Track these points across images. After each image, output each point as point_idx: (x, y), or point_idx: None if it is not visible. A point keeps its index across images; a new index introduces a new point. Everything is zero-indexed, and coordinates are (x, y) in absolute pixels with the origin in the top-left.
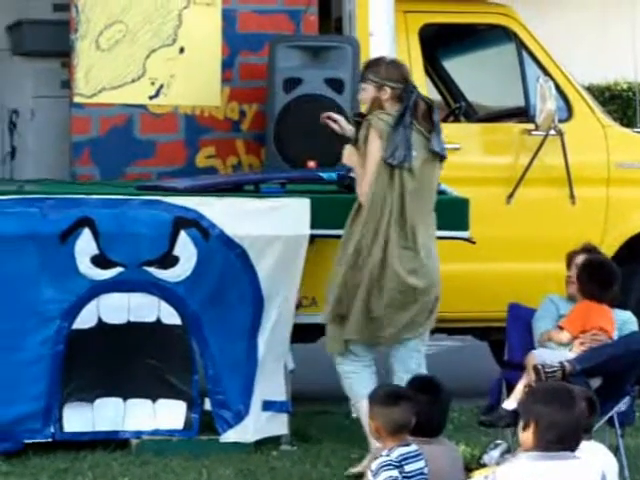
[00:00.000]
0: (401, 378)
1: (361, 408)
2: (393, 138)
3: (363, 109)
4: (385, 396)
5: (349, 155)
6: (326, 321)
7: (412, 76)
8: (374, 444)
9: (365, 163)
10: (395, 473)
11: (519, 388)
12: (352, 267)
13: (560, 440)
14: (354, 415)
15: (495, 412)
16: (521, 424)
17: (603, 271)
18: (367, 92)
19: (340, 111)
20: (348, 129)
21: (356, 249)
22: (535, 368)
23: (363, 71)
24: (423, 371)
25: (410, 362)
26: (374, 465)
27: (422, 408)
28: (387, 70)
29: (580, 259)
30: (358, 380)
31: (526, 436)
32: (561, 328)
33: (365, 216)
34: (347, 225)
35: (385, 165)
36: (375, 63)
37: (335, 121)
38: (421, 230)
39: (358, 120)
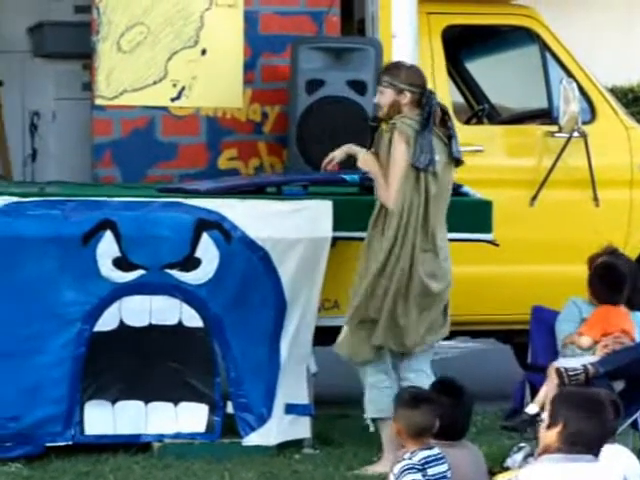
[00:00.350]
0: (406, 377)
1: (382, 423)
2: (419, 142)
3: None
4: (408, 399)
5: (365, 159)
6: (350, 327)
7: (435, 78)
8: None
9: (390, 168)
10: (418, 476)
11: (542, 393)
12: (380, 274)
13: (585, 446)
14: (369, 424)
15: (518, 416)
16: (546, 422)
17: (612, 274)
18: (386, 96)
19: (362, 113)
20: (346, 150)
21: (386, 256)
22: (558, 371)
23: (381, 75)
24: (427, 373)
25: (415, 362)
26: (397, 468)
27: (445, 411)
28: (407, 74)
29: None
30: (389, 393)
31: (549, 435)
32: (581, 334)
33: (393, 222)
34: (369, 229)
35: (411, 170)
36: (395, 67)
37: (333, 159)
38: (439, 233)
39: (374, 125)
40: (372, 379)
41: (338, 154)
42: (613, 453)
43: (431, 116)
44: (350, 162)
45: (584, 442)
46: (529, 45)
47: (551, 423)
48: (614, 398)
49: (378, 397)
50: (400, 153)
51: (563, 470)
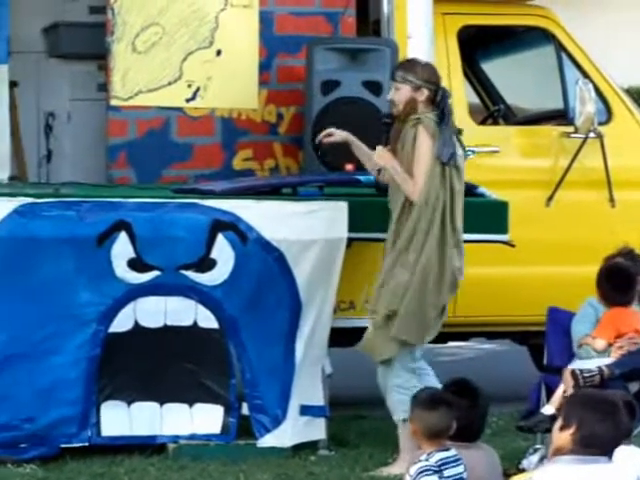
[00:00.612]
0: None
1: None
2: (442, 136)
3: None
4: (426, 400)
5: (382, 154)
6: (375, 325)
7: (451, 79)
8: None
9: (416, 162)
10: (434, 478)
11: (558, 394)
12: (403, 268)
13: (599, 448)
14: (399, 426)
15: (534, 417)
16: (559, 423)
17: (618, 275)
18: (403, 93)
19: (377, 113)
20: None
21: (405, 247)
22: (573, 373)
23: (396, 71)
24: None
25: None
26: (413, 470)
27: (461, 413)
28: (424, 71)
29: None
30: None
31: (563, 436)
32: (594, 337)
33: (414, 214)
34: (392, 223)
35: (437, 164)
36: (411, 64)
37: (330, 135)
38: (460, 229)
39: (388, 121)
40: (399, 380)
41: (339, 133)
42: (628, 454)
43: (447, 112)
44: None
45: (598, 444)
46: (545, 45)
47: (564, 425)
48: (629, 400)
49: (407, 398)
50: (427, 147)
51: (577, 472)
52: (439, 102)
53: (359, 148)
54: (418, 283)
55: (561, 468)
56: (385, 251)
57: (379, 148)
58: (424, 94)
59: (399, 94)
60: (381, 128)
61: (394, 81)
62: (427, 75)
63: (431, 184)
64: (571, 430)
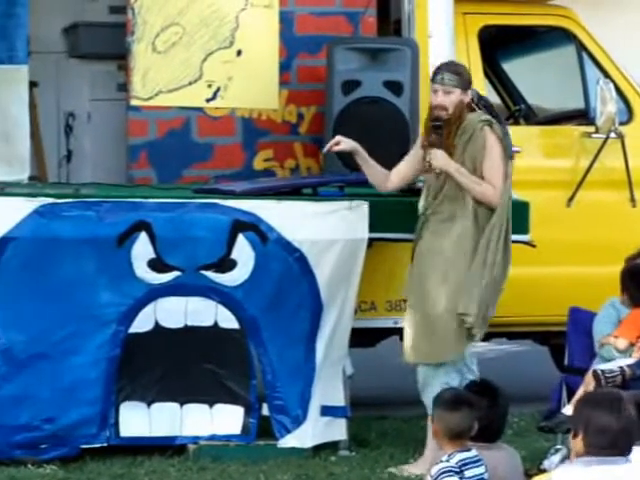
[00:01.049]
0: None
1: None
2: (506, 135)
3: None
4: (448, 401)
5: (443, 158)
6: (447, 327)
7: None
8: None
9: (492, 165)
10: (455, 479)
11: (579, 395)
12: (483, 266)
13: (610, 445)
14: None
15: (555, 418)
16: (572, 431)
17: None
18: (454, 96)
19: (398, 113)
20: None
21: (487, 249)
22: (595, 373)
23: (443, 74)
24: None
25: None
26: (434, 470)
27: (481, 413)
28: (467, 74)
29: None
30: None
31: (577, 443)
32: (616, 337)
33: (496, 218)
34: (452, 224)
35: (509, 164)
36: (457, 66)
37: (338, 144)
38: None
39: (439, 125)
40: (447, 378)
41: (347, 142)
42: None
43: (495, 110)
44: (387, 163)
45: (607, 440)
46: (566, 45)
47: (575, 432)
48: None
49: None
50: (498, 149)
51: (595, 472)
52: (477, 102)
53: (365, 160)
54: (492, 284)
55: (579, 469)
56: (426, 254)
57: (438, 151)
58: (468, 96)
59: (450, 98)
60: (402, 127)
61: (441, 84)
62: (469, 77)
63: (504, 184)
64: (580, 435)
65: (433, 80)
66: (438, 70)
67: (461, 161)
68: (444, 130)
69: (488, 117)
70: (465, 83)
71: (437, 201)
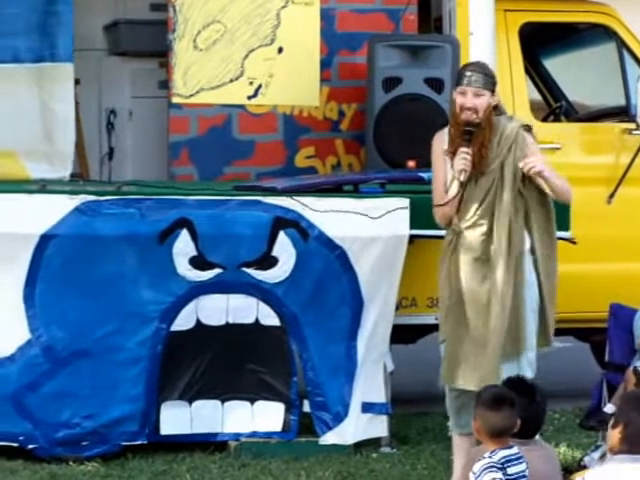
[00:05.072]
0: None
1: None
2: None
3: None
4: (490, 399)
5: (539, 161)
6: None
7: (512, 75)
8: None
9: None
10: (499, 475)
11: (619, 392)
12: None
13: None
14: None
15: (596, 415)
16: (612, 421)
17: None
18: (485, 99)
19: (439, 110)
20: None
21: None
22: (635, 370)
23: (474, 76)
24: None
25: None
26: (477, 467)
27: (519, 410)
28: (494, 76)
29: None
30: None
31: (614, 434)
32: None
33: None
34: (510, 226)
35: None
36: (486, 68)
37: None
38: None
39: (472, 130)
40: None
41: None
42: None
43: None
44: (428, 160)
45: None
46: (606, 42)
47: (615, 423)
48: None
49: None
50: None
51: (628, 471)
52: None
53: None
54: (553, 294)
55: (613, 467)
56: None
57: (535, 157)
58: (495, 99)
59: (482, 100)
60: (442, 125)
61: (471, 86)
62: (496, 79)
63: None
64: (620, 428)
65: (460, 82)
66: (466, 70)
67: (496, 166)
68: (478, 135)
69: (522, 121)
70: (493, 85)
71: (478, 213)
